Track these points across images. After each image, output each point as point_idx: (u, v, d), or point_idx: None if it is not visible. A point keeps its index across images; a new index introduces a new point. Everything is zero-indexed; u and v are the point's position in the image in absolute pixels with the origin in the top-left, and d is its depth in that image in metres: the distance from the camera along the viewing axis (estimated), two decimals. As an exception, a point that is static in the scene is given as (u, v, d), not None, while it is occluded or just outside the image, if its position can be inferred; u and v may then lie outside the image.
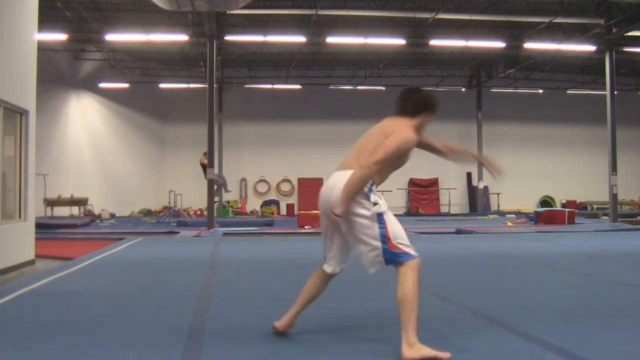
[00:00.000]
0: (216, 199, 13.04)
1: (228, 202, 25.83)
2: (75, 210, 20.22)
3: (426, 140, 4.11)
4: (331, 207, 3.46)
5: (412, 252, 3.41)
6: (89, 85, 23.46)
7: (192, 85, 24.71)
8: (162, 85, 25.25)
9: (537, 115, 27.47)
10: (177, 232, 14.68)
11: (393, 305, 5.02)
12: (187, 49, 22.31)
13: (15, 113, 8.41)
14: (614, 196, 18.16)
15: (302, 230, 15.70)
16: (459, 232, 14.21)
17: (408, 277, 3.33)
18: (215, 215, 17.25)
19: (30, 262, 8.60)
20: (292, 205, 26.60)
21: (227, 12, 17.61)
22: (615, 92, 18.61)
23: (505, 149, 27.69)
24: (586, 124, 27.26)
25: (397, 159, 3.67)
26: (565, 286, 6.07)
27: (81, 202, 19.85)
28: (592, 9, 18.23)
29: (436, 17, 17.84)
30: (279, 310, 4.74)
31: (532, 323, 4.14)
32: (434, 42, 20.07)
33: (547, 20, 18.04)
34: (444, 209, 26.79)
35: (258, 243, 11.80)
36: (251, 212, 25.84)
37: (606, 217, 20.13)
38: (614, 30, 17.86)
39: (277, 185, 27.08)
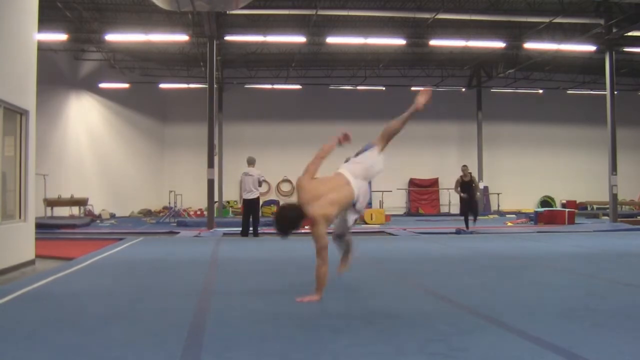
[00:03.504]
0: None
1: (228, 202, 25.84)
2: (75, 210, 20.22)
3: None
4: None
5: None
6: (89, 85, 23.47)
7: (192, 85, 24.71)
8: (162, 85, 25.25)
9: (537, 115, 27.48)
10: (177, 233, 14.69)
11: (393, 305, 5.03)
12: (187, 49, 22.32)
13: (15, 113, 8.41)
14: (614, 196, 18.17)
15: (302, 230, 15.68)
16: (459, 232, 14.21)
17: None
18: (215, 215, 17.28)
19: (30, 262, 8.60)
20: (292, 205, 26.58)
21: (227, 12, 17.62)
22: (615, 92, 18.62)
23: (505, 149, 27.73)
24: (586, 124, 27.26)
25: None
26: (565, 286, 6.07)
27: (81, 202, 19.85)
28: (592, 9, 18.23)
29: (436, 17, 17.85)
30: (279, 309, 4.75)
31: (532, 323, 4.14)
32: (434, 42, 20.07)
33: (547, 20, 18.05)
34: (444, 209, 26.78)
35: (258, 243, 11.80)
36: (251, 212, 25.81)
37: (606, 217, 20.14)
38: (614, 30, 17.86)
39: (277, 185, 27.09)
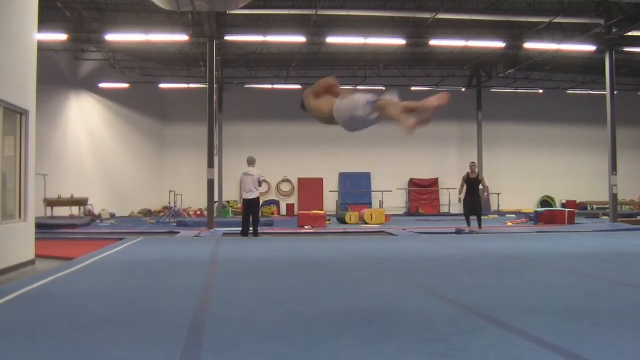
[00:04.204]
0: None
1: (228, 202, 25.83)
2: (75, 210, 20.22)
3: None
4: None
5: None
6: (89, 85, 23.47)
7: (192, 85, 24.71)
8: (162, 85, 25.24)
9: (537, 115, 27.49)
10: (177, 233, 14.69)
11: (393, 305, 5.03)
12: (187, 49, 22.32)
13: (15, 113, 8.41)
14: (614, 196, 18.16)
15: (302, 230, 15.72)
16: (459, 232, 14.20)
17: None
18: (215, 215, 17.27)
19: (30, 262, 8.59)
20: (292, 205, 26.60)
21: (227, 12, 17.62)
22: (615, 92, 18.61)
23: (505, 149, 27.73)
24: (586, 124, 27.26)
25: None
26: (565, 286, 6.07)
27: (81, 202, 19.85)
28: (592, 9, 18.23)
29: (436, 17, 17.84)
30: (279, 310, 4.75)
31: (532, 323, 4.14)
32: (434, 42, 20.07)
33: (547, 20, 18.05)
34: (444, 209, 26.78)
35: (258, 243, 11.80)
36: (251, 212, 25.81)
37: (606, 217, 20.13)
38: (614, 30, 17.86)
39: (277, 185, 27.09)
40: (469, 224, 14.30)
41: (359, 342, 3.65)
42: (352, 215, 18.81)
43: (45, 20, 14.20)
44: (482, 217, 14.91)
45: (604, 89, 18.76)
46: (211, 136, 16.66)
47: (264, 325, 4.13)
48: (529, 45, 20.21)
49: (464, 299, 5.16)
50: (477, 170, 14.53)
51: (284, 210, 26.59)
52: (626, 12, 17.68)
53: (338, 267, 7.74)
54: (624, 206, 24.76)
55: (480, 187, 14.37)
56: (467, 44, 19.89)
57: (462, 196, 14.36)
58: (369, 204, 25.17)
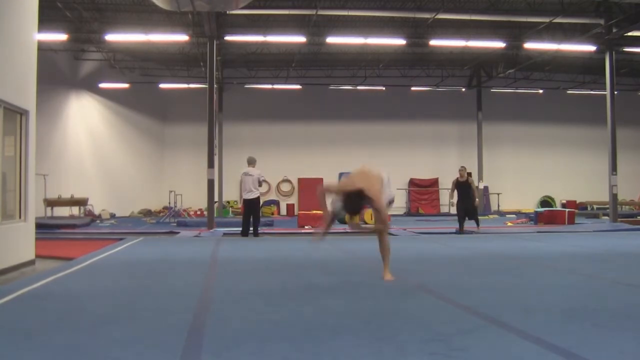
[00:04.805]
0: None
1: (228, 202, 25.83)
2: (75, 210, 20.22)
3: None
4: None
5: None
6: (89, 85, 23.47)
7: (192, 85, 24.72)
8: (162, 85, 25.25)
9: (537, 115, 27.50)
10: (177, 233, 14.69)
11: (393, 305, 5.04)
12: (187, 49, 22.32)
13: (15, 113, 8.41)
14: (614, 196, 18.16)
15: (302, 230, 15.71)
16: (458, 232, 14.19)
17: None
18: (215, 215, 17.27)
19: (30, 262, 8.60)
20: (292, 205, 26.61)
21: (227, 12, 17.62)
22: (615, 92, 18.61)
23: (505, 149, 27.75)
24: (586, 124, 27.28)
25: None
26: (565, 286, 6.07)
27: (81, 202, 19.86)
28: (592, 9, 18.24)
29: (436, 17, 17.85)
30: (279, 310, 4.75)
31: (532, 323, 4.14)
32: (434, 42, 20.08)
33: (547, 20, 18.05)
34: (444, 209, 26.78)
35: (258, 243, 11.80)
36: (251, 212, 25.80)
37: (606, 217, 20.14)
38: (614, 30, 17.86)
39: (277, 185, 27.09)
40: (461, 226, 14.17)
41: (359, 342, 3.64)
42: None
43: (45, 20, 14.20)
44: (480, 217, 14.85)
45: (604, 89, 18.76)
46: (211, 136, 16.66)
47: (264, 325, 4.13)
48: (529, 45, 20.22)
49: (464, 299, 5.15)
50: (466, 174, 14.36)
51: (284, 210, 26.59)
52: (626, 12, 17.67)
53: (338, 267, 7.74)
54: (624, 206, 24.77)
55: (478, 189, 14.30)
56: (467, 44, 19.89)
57: (454, 200, 14.27)
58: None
